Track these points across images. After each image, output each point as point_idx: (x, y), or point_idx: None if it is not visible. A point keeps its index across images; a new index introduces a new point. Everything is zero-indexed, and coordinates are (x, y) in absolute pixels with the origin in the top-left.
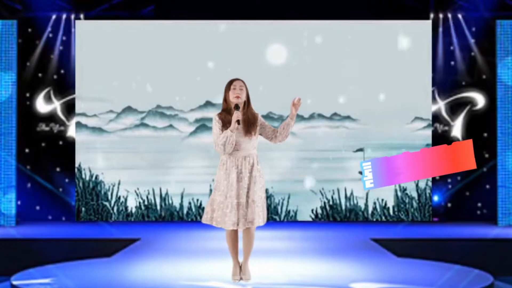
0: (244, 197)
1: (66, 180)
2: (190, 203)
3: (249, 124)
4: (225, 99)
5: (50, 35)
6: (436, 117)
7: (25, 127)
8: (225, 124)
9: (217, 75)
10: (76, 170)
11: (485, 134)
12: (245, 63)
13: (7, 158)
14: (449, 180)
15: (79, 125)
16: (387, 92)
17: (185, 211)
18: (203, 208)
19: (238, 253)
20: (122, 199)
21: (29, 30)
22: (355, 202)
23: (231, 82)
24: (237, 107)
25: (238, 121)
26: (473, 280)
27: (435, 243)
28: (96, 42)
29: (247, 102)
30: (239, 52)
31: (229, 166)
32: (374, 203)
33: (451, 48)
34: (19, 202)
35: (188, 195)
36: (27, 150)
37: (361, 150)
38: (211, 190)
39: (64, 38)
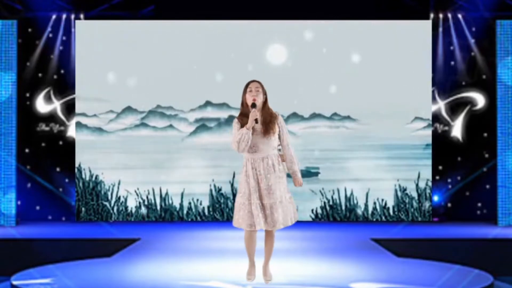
0: (267, 199)
1: (66, 180)
2: (190, 203)
3: (267, 124)
4: (242, 103)
5: (50, 35)
6: (436, 117)
7: (25, 127)
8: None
9: (217, 75)
10: (76, 170)
11: (485, 134)
12: (245, 63)
13: (7, 158)
14: (449, 180)
15: (79, 125)
16: (387, 92)
17: (185, 211)
18: (203, 208)
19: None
20: (122, 199)
21: (29, 30)
22: (355, 202)
23: (247, 85)
24: (253, 105)
25: (256, 120)
26: (473, 280)
27: (435, 243)
28: (96, 42)
29: (265, 102)
30: (239, 52)
31: (249, 168)
32: (374, 203)
33: (451, 48)
34: (19, 202)
35: (188, 195)
36: (27, 150)
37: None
38: (211, 190)
39: (64, 38)
